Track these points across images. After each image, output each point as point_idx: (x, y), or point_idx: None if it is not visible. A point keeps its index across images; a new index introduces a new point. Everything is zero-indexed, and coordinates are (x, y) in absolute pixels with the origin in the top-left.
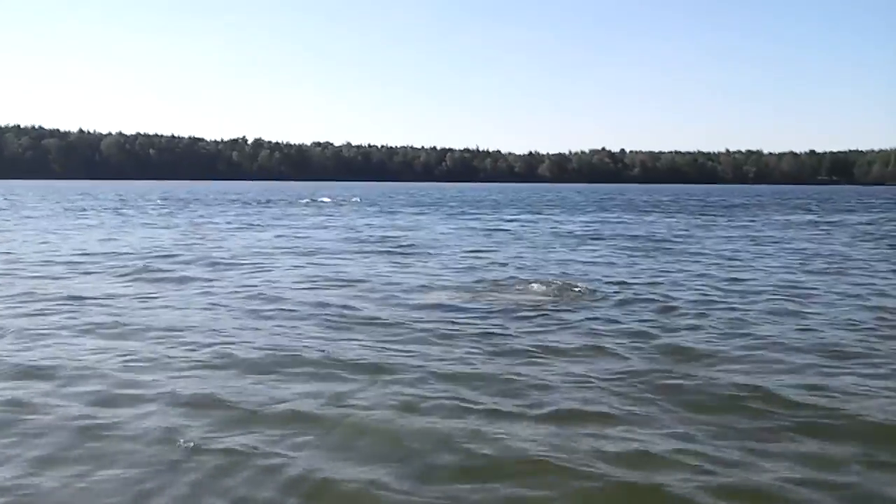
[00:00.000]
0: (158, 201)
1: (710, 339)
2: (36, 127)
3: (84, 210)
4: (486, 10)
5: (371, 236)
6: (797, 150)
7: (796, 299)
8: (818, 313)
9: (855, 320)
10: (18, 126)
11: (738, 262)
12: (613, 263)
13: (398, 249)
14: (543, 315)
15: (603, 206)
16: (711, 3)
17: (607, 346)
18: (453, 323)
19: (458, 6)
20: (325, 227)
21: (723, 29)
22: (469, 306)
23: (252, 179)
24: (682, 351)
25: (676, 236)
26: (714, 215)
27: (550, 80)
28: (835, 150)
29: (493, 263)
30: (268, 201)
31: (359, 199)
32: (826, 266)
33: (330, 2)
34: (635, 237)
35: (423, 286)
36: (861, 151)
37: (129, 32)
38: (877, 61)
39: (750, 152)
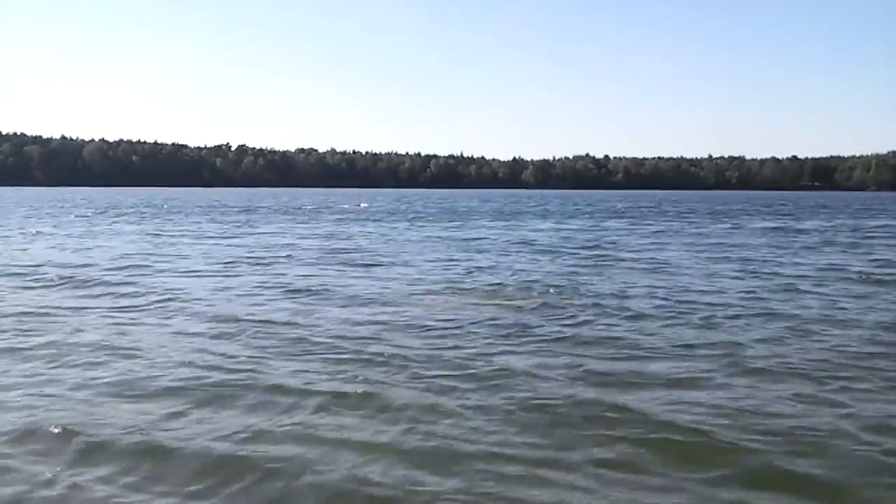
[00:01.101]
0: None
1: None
2: (17, 133)
3: None
4: (472, 17)
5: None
6: (779, 156)
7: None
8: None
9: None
10: (0, 133)
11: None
12: (575, 273)
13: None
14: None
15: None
16: (696, 11)
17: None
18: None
19: (445, 12)
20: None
21: (707, 37)
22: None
23: (236, 186)
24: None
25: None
26: (677, 221)
27: (535, 86)
28: (817, 155)
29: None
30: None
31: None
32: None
33: (313, 8)
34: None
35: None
36: (842, 157)
37: (111, 38)
38: (859, 67)
39: (732, 158)
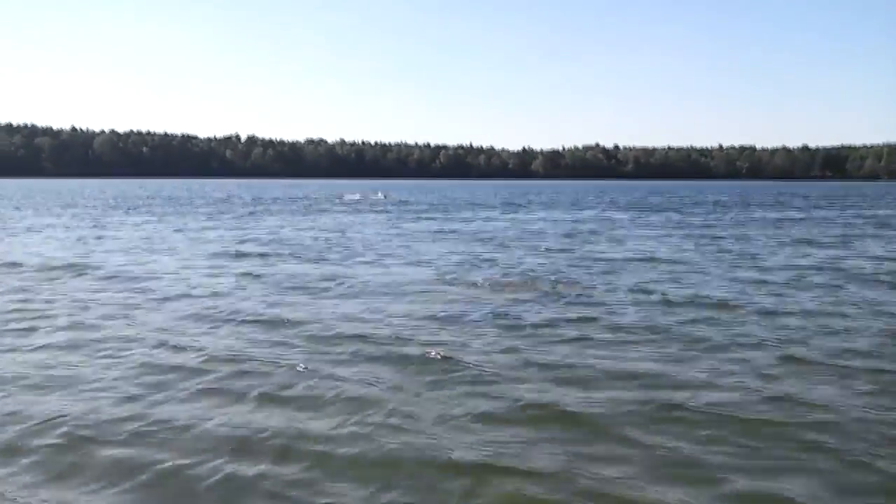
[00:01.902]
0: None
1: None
2: (28, 125)
3: None
4: (480, 6)
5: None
6: (790, 146)
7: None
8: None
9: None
10: (10, 124)
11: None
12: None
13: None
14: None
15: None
16: (705, 2)
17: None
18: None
19: (454, 4)
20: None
21: (718, 25)
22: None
23: (245, 177)
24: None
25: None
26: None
27: (545, 75)
28: (828, 145)
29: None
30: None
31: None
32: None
33: (322, 0)
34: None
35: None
36: (854, 147)
37: (121, 31)
38: (870, 57)
39: (743, 148)
